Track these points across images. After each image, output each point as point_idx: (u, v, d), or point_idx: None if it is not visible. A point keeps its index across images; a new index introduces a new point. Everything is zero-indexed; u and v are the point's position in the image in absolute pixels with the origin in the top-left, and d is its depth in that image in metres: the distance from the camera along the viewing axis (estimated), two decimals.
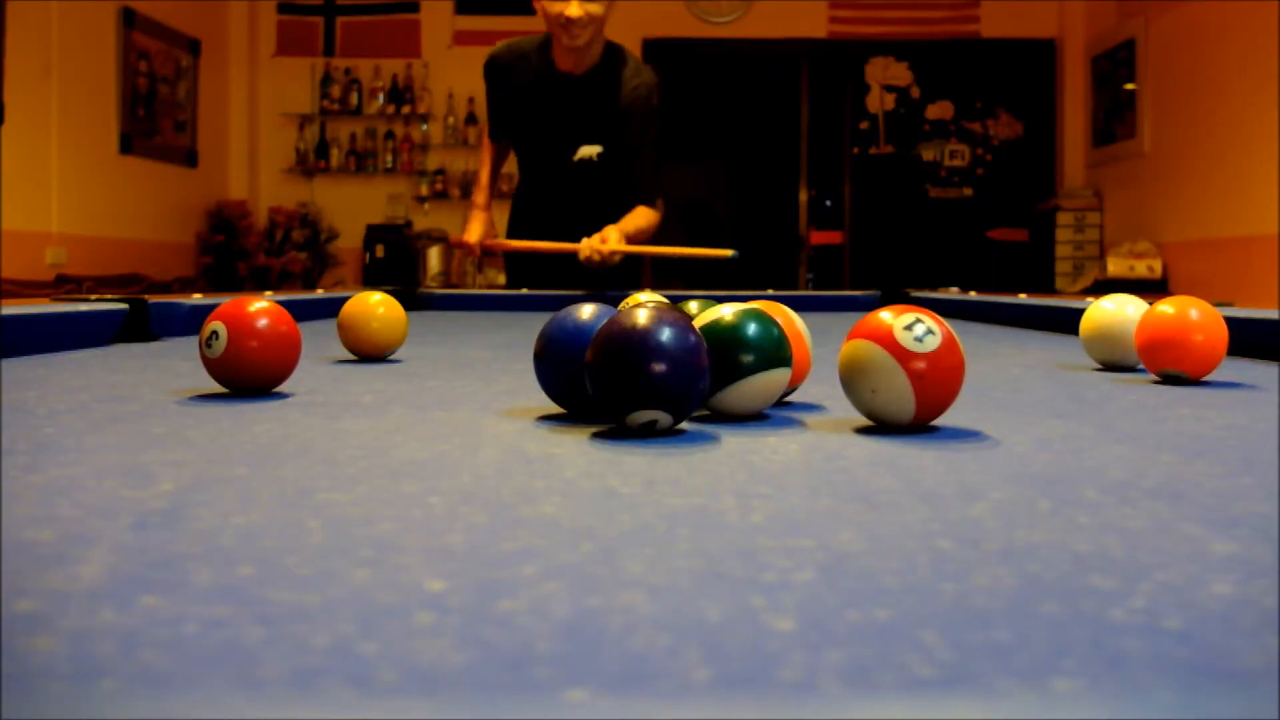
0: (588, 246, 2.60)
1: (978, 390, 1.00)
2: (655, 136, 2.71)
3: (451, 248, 3.04)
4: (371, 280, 6.34)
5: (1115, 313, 1.18)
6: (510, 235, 2.95)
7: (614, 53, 2.75)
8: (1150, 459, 0.64)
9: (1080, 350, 1.37)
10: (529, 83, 2.76)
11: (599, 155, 2.71)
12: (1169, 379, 1.07)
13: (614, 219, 2.68)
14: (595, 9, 2.60)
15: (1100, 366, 1.23)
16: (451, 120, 6.80)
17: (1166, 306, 1.06)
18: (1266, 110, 4.85)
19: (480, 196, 2.96)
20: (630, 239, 2.65)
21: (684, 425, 0.77)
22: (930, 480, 0.57)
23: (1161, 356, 1.05)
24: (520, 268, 2.98)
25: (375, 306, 1.30)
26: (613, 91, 2.70)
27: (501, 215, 3.04)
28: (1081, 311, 1.25)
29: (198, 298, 1.86)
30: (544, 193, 2.86)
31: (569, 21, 2.59)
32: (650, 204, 2.76)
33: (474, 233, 2.88)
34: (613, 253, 2.60)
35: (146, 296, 1.70)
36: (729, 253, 2.61)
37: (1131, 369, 1.19)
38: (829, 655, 0.30)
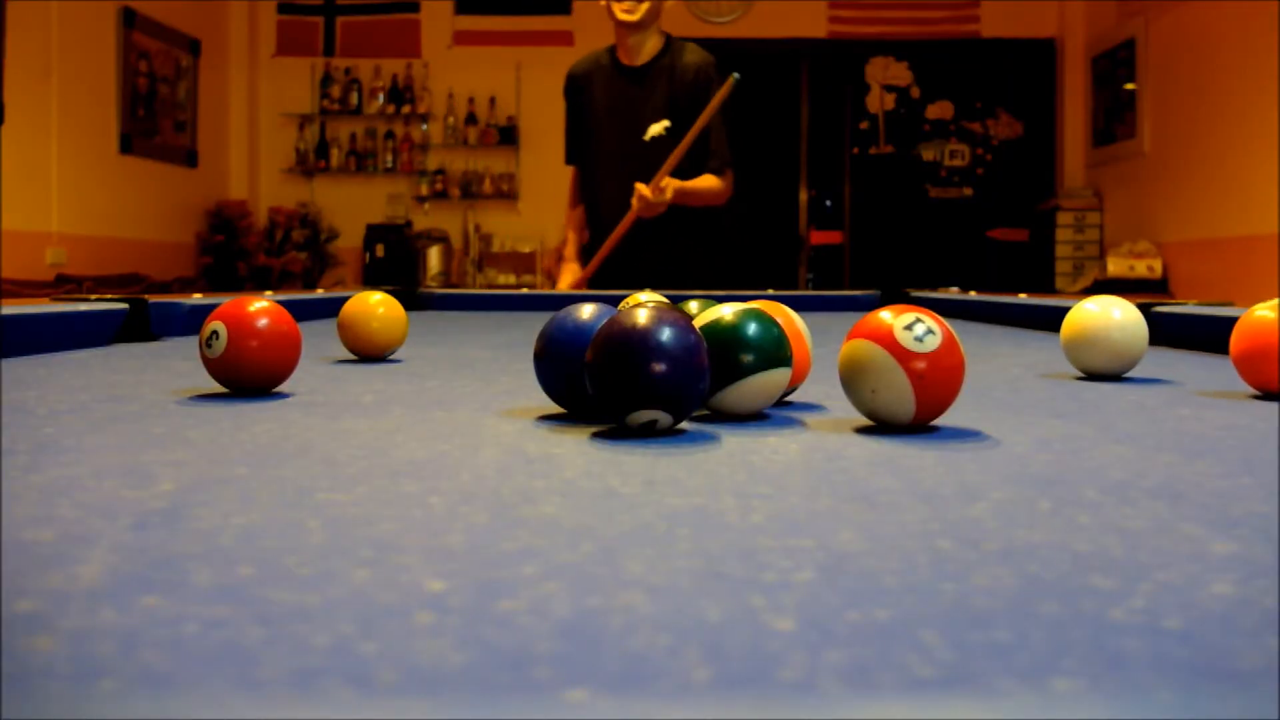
0: (637, 197, 2.70)
1: (978, 390, 1.00)
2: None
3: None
4: (371, 280, 6.34)
5: (1099, 315, 1.08)
6: (587, 258, 3.03)
7: (673, 41, 2.96)
8: (1150, 459, 0.64)
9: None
10: (599, 81, 2.96)
11: (667, 130, 2.83)
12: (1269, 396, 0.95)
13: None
14: None
15: (1083, 375, 1.13)
16: (451, 120, 6.80)
17: (1266, 310, 0.93)
18: (1266, 110, 4.85)
19: (569, 250, 3.12)
20: (688, 194, 2.77)
21: (684, 425, 0.77)
22: (930, 480, 0.57)
23: (1263, 369, 0.93)
24: (599, 282, 3.06)
25: (375, 306, 1.30)
26: (673, 71, 2.87)
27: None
28: None
29: (198, 298, 1.86)
30: (616, 179, 2.93)
31: None
32: (716, 173, 2.86)
33: (564, 283, 3.04)
34: (661, 190, 2.69)
35: (146, 296, 1.70)
36: (733, 77, 2.67)
37: (1116, 379, 1.10)
38: (829, 655, 0.30)
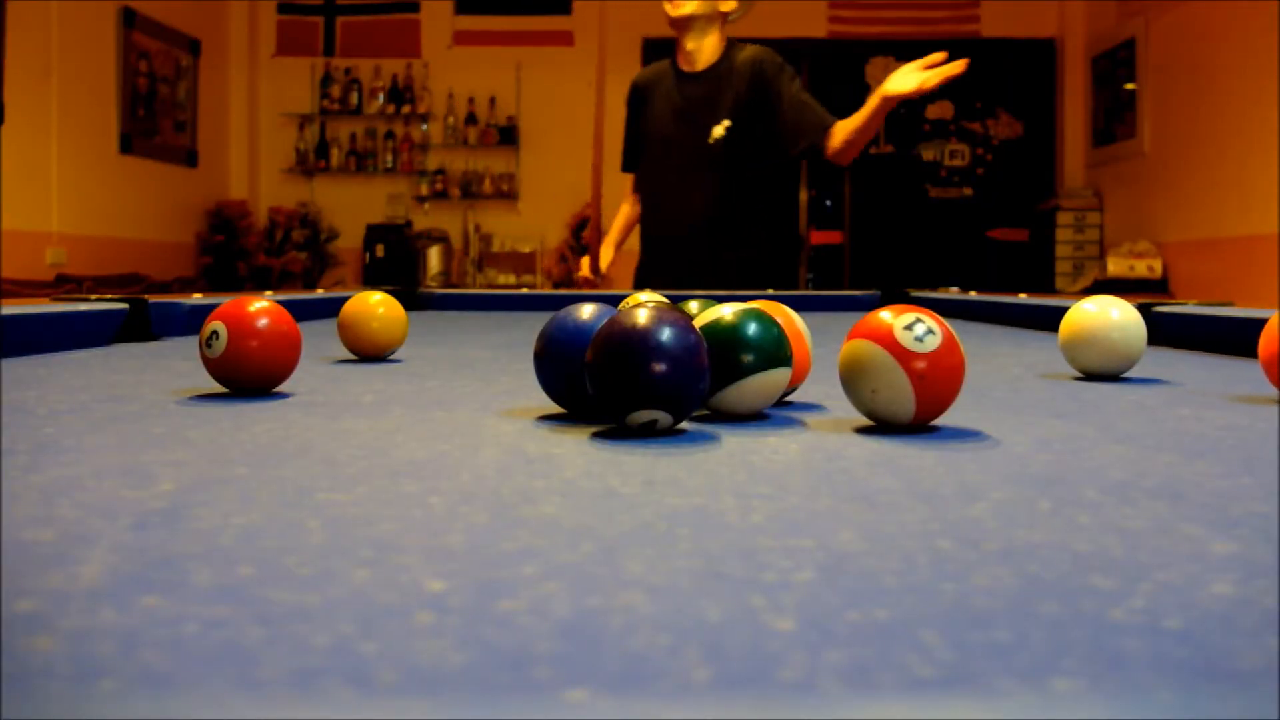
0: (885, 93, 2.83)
1: (978, 390, 1.00)
2: (799, 84, 2.98)
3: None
4: (371, 280, 6.34)
5: (1097, 315, 1.09)
6: (642, 268, 3.06)
7: (733, 44, 3.04)
8: (1150, 459, 0.64)
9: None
10: (662, 90, 3.04)
11: (729, 130, 2.90)
12: None
13: (744, 193, 2.95)
14: None
15: (1081, 375, 1.13)
16: (451, 120, 6.80)
17: None
18: (1266, 110, 4.85)
19: (611, 234, 3.18)
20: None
21: (684, 425, 0.77)
22: (930, 480, 0.57)
23: None
24: (648, 267, 3.07)
25: (375, 306, 1.30)
26: (731, 72, 2.95)
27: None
28: None
29: (198, 298, 1.86)
30: (681, 181, 2.98)
31: None
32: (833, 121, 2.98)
33: (586, 262, 3.08)
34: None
35: (146, 296, 1.70)
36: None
37: (1115, 379, 1.10)
38: (829, 655, 0.30)
